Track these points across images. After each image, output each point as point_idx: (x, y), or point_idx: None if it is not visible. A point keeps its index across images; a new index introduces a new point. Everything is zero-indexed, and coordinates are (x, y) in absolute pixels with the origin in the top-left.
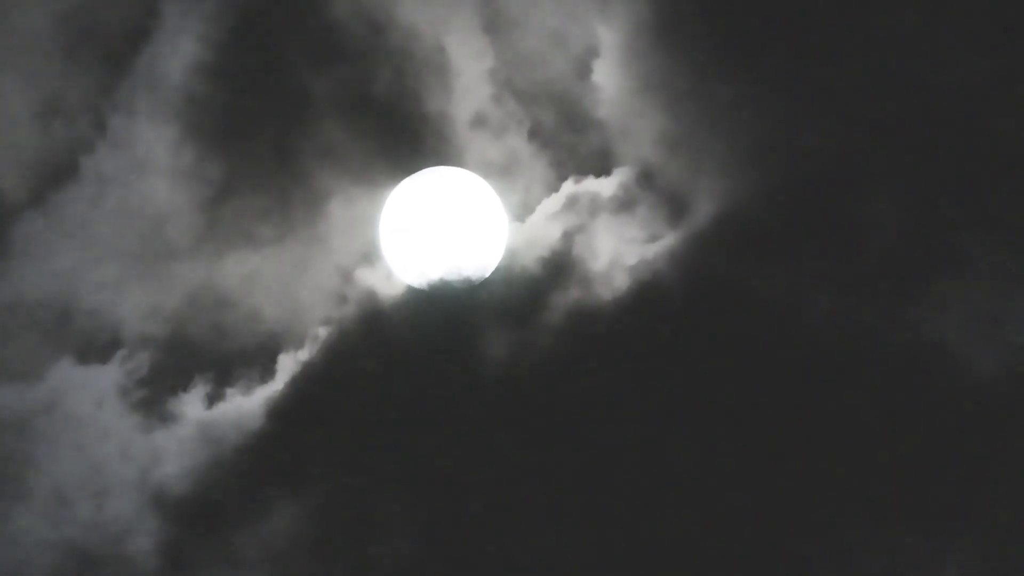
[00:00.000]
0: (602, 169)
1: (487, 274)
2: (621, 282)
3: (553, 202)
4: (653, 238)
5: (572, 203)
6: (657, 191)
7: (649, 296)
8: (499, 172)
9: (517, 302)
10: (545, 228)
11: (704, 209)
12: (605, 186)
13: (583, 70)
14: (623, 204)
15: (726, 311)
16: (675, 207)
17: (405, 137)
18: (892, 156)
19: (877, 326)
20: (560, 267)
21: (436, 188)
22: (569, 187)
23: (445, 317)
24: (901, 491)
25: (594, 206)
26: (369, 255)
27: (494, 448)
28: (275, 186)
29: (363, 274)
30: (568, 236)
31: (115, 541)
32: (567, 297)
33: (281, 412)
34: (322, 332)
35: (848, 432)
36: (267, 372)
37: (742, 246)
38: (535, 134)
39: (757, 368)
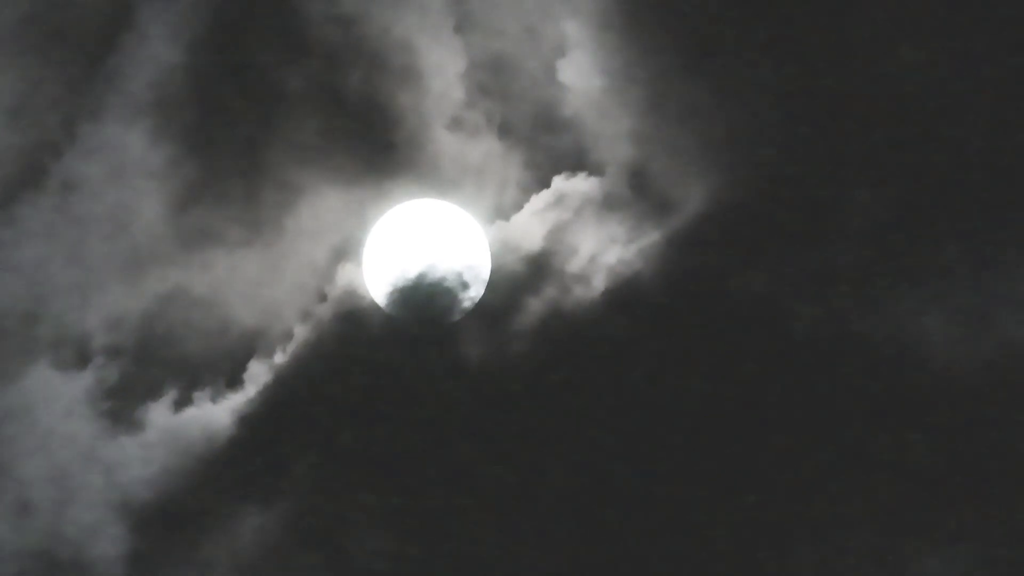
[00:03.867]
0: (579, 169)
1: (476, 283)
2: (599, 283)
3: (531, 204)
4: (632, 238)
5: (550, 205)
6: (638, 190)
7: (627, 296)
8: (473, 174)
9: (496, 306)
10: (521, 230)
11: (686, 208)
12: (581, 187)
13: (554, 68)
14: (602, 204)
15: (708, 312)
16: (656, 206)
17: (378, 137)
18: (882, 151)
19: (864, 328)
20: (537, 269)
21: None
22: (547, 189)
23: (426, 324)
24: (892, 494)
25: (573, 207)
26: (345, 256)
27: (476, 456)
28: (247, 186)
29: (340, 277)
30: (545, 237)
31: (80, 548)
32: (542, 299)
33: (252, 418)
34: (295, 337)
35: (837, 436)
36: (237, 378)
37: (725, 246)
38: (508, 134)
39: (740, 371)
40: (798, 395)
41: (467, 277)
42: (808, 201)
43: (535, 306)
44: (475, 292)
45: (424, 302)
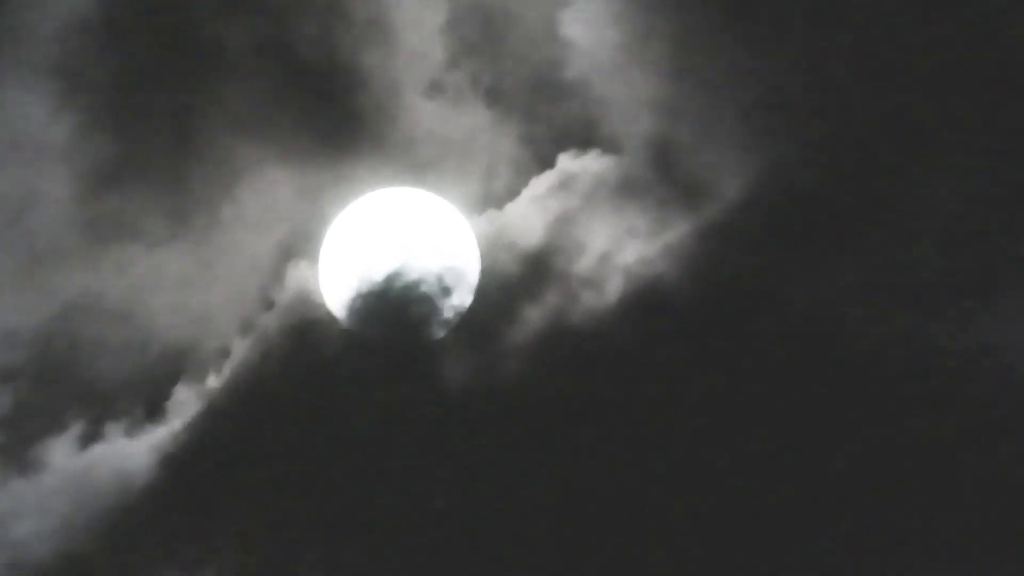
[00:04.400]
0: (589, 145)
1: (461, 286)
2: (613, 287)
3: (529, 189)
4: (655, 232)
5: (553, 190)
6: (660, 172)
7: (648, 304)
8: (457, 152)
9: (485, 317)
10: (517, 222)
11: (721, 195)
12: (592, 167)
13: (556, 21)
14: (618, 189)
15: (749, 326)
16: (685, 192)
17: (338, 106)
18: (972, 134)
19: (941, 345)
20: (537, 271)
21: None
22: (549, 170)
23: (398, 340)
24: (945, 513)
25: (581, 192)
26: (297, 254)
27: (458, 506)
28: (174, 166)
29: (290, 280)
30: (547, 230)
31: None
32: (543, 307)
33: (177, 458)
34: (233, 355)
35: (897, 463)
36: (159, 407)
37: (770, 243)
38: (499, 102)
39: (790, 401)
40: (863, 426)
41: (449, 281)
42: (872, 191)
43: (534, 317)
44: (459, 300)
45: (395, 313)
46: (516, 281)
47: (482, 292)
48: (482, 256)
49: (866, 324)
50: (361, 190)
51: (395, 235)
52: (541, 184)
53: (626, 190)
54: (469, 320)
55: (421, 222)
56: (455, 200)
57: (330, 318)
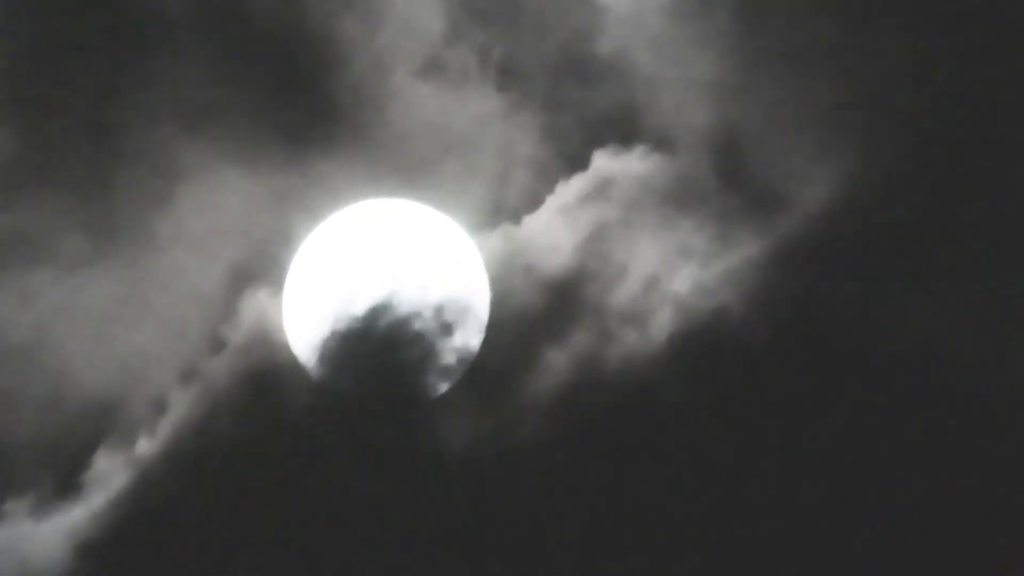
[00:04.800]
0: (632, 140)
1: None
2: (662, 324)
3: (554, 198)
4: (716, 252)
5: (585, 199)
6: (722, 176)
7: (707, 345)
8: (460, 150)
9: (497, 362)
10: (539, 239)
11: (800, 206)
12: (636, 168)
13: None
14: (669, 198)
15: (832, 367)
16: (754, 202)
17: (309, 91)
18: None
19: None
20: (563, 302)
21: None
22: (580, 173)
23: (384, 394)
24: None
25: (621, 201)
26: (253, 281)
27: None
28: (95, 171)
29: (246, 313)
30: (577, 250)
31: None
32: (570, 350)
33: (97, 546)
34: (171, 410)
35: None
36: (74, 479)
37: (861, 266)
38: (515, 84)
39: (887, 458)
40: (991, 490)
41: (450, 317)
42: (988, 205)
43: (559, 363)
44: (463, 341)
45: (381, 358)
46: (537, 316)
47: (493, 331)
48: (493, 284)
49: (983, 365)
50: (337, 200)
51: (381, 258)
52: (570, 191)
53: (679, 198)
54: (476, 368)
55: (415, 241)
56: (458, 213)
57: (296, 365)
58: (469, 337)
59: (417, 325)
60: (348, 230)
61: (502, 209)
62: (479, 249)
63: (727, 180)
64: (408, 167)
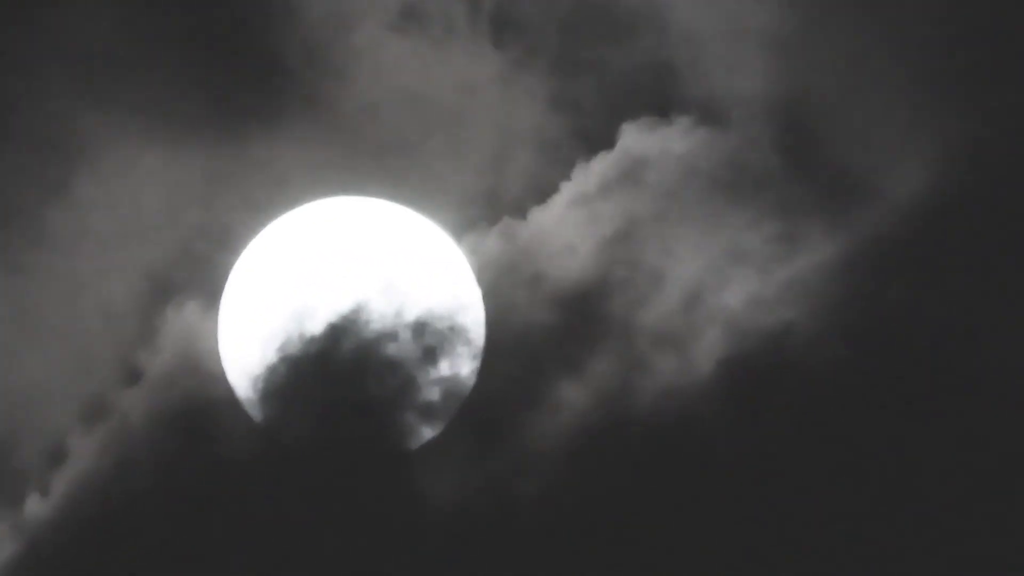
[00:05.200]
0: (668, 111)
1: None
2: (708, 348)
3: (570, 186)
4: (778, 254)
5: (609, 186)
6: (787, 157)
7: (767, 374)
8: (447, 124)
9: (494, 398)
10: (549, 239)
11: (889, 196)
12: (676, 146)
13: None
14: (715, 184)
15: (930, 401)
16: (829, 190)
17: (252, 50)
18: None
19: None
20: (580, 319)
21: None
22: (604, 152)
23: (344, 430)
24: None
25: (657, 189)
26: (180, 292)
27: None
28: None
29: (169, 335)
30: (599, 252)
31: None
32: (590, 382)
33: None
34: (72, 458)
35: None
36: None
37: (960, 269)
38: (516, 41)
39: (993, 509)
40: None
41: (433, 338)
42: None
43: (575, 399)
44: (452, 369)
45: (342, 393)
46: (546, 339)
47: (490, 357)
48: (488, 298)
49: None
50: (288, 191)
51: (345, 265)
52: (589, 176)
53: (731, 186)
54: (469, 406)
55: (387, 244)
56: (442, 208)
57: (234, 402)
58: (459, 365)
59: (391, 350)
60: (303, 231)
61: (501, 201)
62: (471, 252)
63: (792, 163)
64: (378, 149)
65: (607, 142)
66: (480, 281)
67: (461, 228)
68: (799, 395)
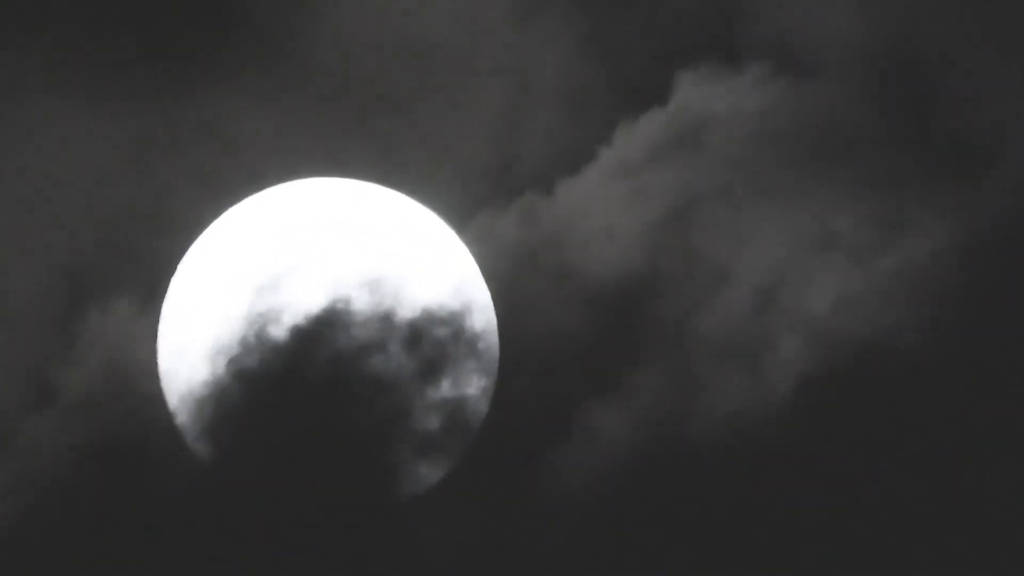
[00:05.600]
0: (735, 58)
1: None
2: (787, 361)
3: (608, 152)
4: (875, 242)
5: (661, 150)
6: (889, 117)
7: (862, 396)
8: (448, 74)
9: (508, 422)
10: (581, 222)
11: (1010, 167)
12: (746, 102)
13: None
14: (797, 149)
15: None
16: (933, 163)
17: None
18: None
19: None
20: (617, 325)
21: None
22: (655, 110)
23: (320, 462)
24: None
25: (717, 154)
26: (107, 289)
27: None
28: None
29: (92, 340)
30: (645, 238)
31: None
32: (633, 404)
33: None
34: None
35: None
36: None
37: None
38: None
39: None
40: None
41: (431, 350)
42: None
43: (614, 425)
44: (456, 389)
45: (314, 419)
46: (577, 349)
47: (506, 374)
48: (503, 297)
49: None
50: (248, 172)
51: (318, 257)
52: (634, 140)
53: (818, 153)
54: (480, 436)
55: (373, 230)
56: (441, 188)
57: (173, 431)
58: (466, 385)
59: (377, 364)
60: (266, 216)
61: (519, 173)
62: (481, 239)
63: (897, 124)
64: (361, 109)
65: (657, 96)
66: (491, 276)
67: (467, 209)
68: (904, 423)
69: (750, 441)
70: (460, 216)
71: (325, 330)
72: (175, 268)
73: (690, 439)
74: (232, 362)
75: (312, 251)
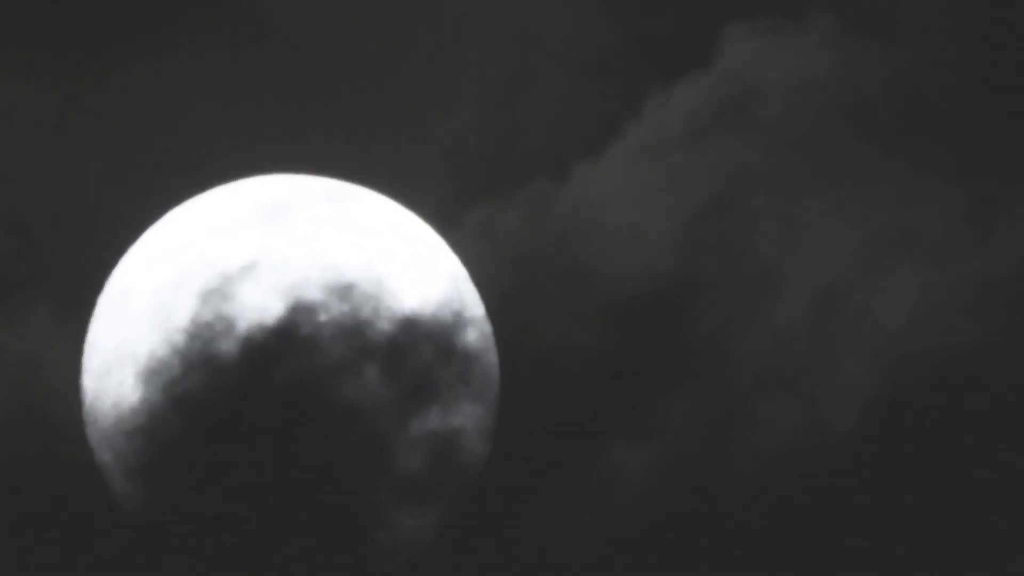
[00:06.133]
0: (787, 9)
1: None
2: (852, 387)
3: (634, 129)
4: (964, 242)
5: (696, 125)
6: (972, 87)
7: (941, 431)
8: (437, 30)
9: (505, 460)
10: (600, 215)
11: None
12: (795, 64)
13: None
14: (859, 127)
15: None
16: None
17: None
18: None
19: None
20: (643, 343)
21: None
22: (691, 72)
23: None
24: None
25: (766, 131)
26: (15, 299)
27: None
28: None
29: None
30: (679, 237)
31: None
32: (665, 441)
33: None
34: None
35: None
36: None
37: None
38: None
39: None
40: None
41: (415, 372)
42: None
43: (641, 465)
44: (449, 421)
45: (268, 461)
46: (595, 372)
47: (509, 403)
48: (503, 306)
49: None
50: (189, 166)
51: (275, 261)
52: (669, 111)
53: (896, 130)
54: (477, 479)
55: (344, 227)
56: (426, 178)
57: (95, 467)
58: (459, 415)
59: (348, 390)
60: (215, 212)
61: (523, 155)
62: (477, 235)
63: (995, 98)
64: (326, 83)
65: (699, 57)
66: (489, 282)
67: (460, 200)
68: (994, 463)
69: (805, 484)
70: (450, 209)
71: (285, 346)
72: (104, 270)
73: (731, 482)
74: (169, 385)
75: (270, 249)
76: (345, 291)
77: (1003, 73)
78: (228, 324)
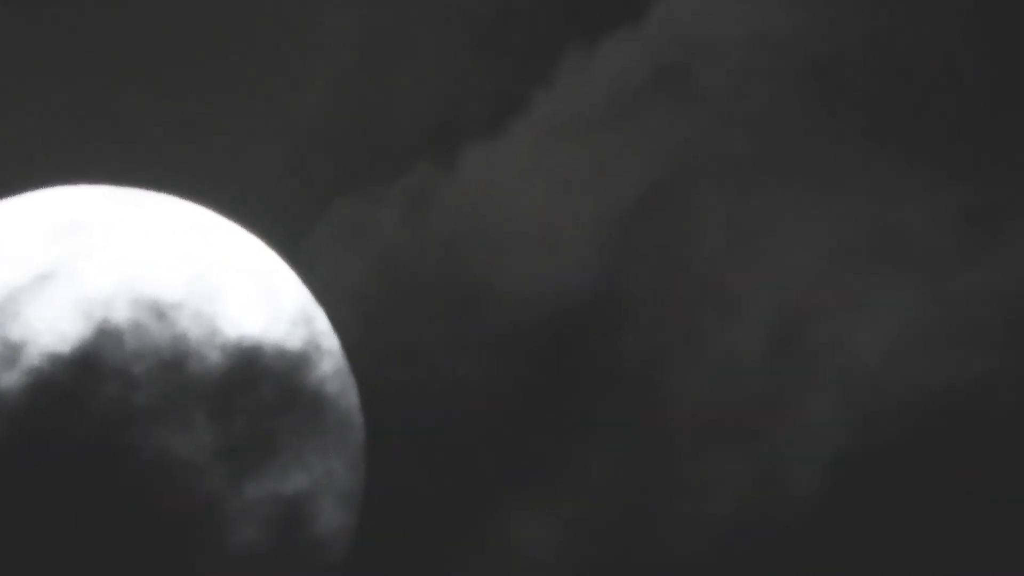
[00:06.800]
0: None
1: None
2: (821, 432)
3: (540, 101)
4: (959, 252)
5: (622, 97)
6: (966, 54)
7: (934, 482)
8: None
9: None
10: (495, 212)
11: None
12: (741, 20)
13: None
14: (829, 101)
15: None
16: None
17: None
18: None
19: None
20: (557, 377)
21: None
22: (598, 38)
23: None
24: None
25: (704, 108)
26: None
27: None
28: None
29: None
30: (599, 246)
31: None
32: (576, 511)
33: None
34: None
35: None
36: None
37: None
38: None
39: None
40: None
41: (256, 415)
42: None
43: (547, 539)
44: (297, 480)
45: (49, 542)
46: (490, 415)
47: (375, 455)
48: (367, 335)
49: None
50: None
51: (73, 263)
52: (588, 80)
53: (877, 108)
54: (334, 560)
55: (159, 238)
56: (264, 173)
57: None
58: (309, 470)
59: (166, 434)
60: (5, 223)
61: (396, 136)
62: (337, 241)
63: (999, 73)
64: (139, 60)
65: (627, 8)
66: (349, 300)
67: (313, 199)
68: (993, 519)
69: (757, 562)
70: (300, 212)
71: (84, 378)
72: None
73: (661, 559)
74: None
75: (69, 259)
76: (163, 312)
77: (1011, 42)
78: (14, 351)
